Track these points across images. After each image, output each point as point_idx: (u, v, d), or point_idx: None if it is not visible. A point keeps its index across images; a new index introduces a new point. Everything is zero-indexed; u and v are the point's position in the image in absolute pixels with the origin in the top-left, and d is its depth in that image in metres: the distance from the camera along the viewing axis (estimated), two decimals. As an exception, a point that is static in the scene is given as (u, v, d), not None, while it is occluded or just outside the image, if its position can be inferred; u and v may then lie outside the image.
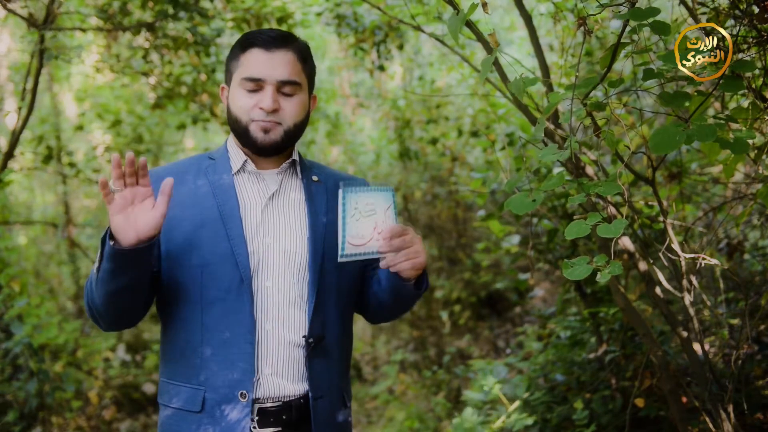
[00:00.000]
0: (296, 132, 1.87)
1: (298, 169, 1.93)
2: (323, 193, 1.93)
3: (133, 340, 6.79)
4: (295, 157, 1.93)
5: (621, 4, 1.68)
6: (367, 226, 1.67)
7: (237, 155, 1.90)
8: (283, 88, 1.82)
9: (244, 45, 1.85)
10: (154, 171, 1.91)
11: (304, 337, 1.81)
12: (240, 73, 1.83)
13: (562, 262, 1.66)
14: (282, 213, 1.87)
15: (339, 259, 1.67)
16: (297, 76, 1.85)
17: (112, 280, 1.66)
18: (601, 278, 1.57)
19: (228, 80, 1.89)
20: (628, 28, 1.71)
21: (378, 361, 6.86)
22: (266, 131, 1.81)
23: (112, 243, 1.61)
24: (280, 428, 1.78)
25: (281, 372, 1.80)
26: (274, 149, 1.85)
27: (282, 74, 1.82)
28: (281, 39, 1.85)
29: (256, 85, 1.81)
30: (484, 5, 1.78)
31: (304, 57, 1.89)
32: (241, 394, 1.75)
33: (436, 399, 5.32)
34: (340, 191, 1.65)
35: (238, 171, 1.89)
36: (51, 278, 7.51)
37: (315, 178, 1.95)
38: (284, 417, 1.79)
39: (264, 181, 1.89)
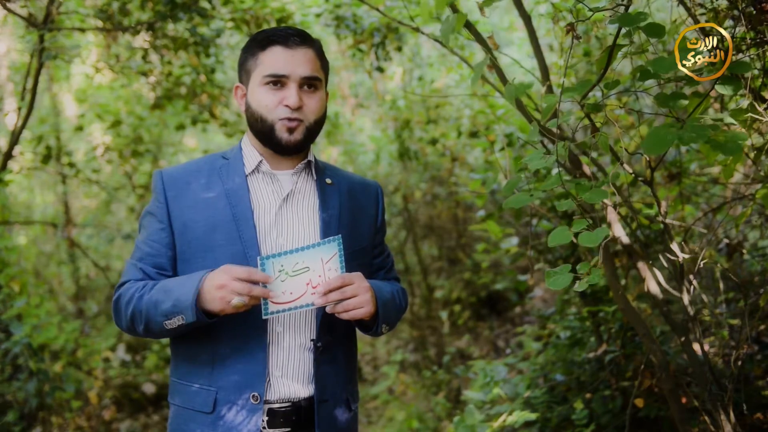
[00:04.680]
0: (317, 128, 1.88)
1: (313, 170, 1.93)
2: (336, 196, 1.93)
3: (133, 340, 6.79)
4: (311, 157, 1.93)
5: (614, 8, 1.68)
6: (298, 283, 1.72)
7: (252, 155, 1.89)
8: (305, 84, 1.83)
9: (263, 43, 1.84)
10: (168, 171, 1.91)
11: (312, 340, 1.82)
12: (261, 71, 1.82)
13: (545, 272, 1.68)
14: (296, 214, 1.87)
15: (263, 317, 1.72)
16: (318, 72, 1.86)
17: (180, 331, 1.76)
18: (580, 288, 1.59)
19: (245, 79, 1.88)
20: (623, 31, 1.71)
21: (378, 361, 6.86)
22: (291, 131, 1.81)
23: (204, 315, 1.69)
24: (289, 429, 1.80)
25: (290, 374, 1.81)
26: (298, 148, 1.85)
27: (305, 71, 1.82)
28: (301, 36, 1.86)
29: (279, 82, 1.81)
30: (482, 9, 1.78)
31: (321, 54, 1.91)
32: (253, 396, 1.76)
33: (436, 399, 5.32)
34: (258, 260, 1.71)
35: (253, 171, 1.89)
36: (51, 278, 7.51)
37: (329, 180, 1.95)
38: (294, 418, 1.80)
39: (278, 182, 1.89)
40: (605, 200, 2.18)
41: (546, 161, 1.69)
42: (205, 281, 1.68)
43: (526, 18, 2.52)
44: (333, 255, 1.73)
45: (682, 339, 2.48)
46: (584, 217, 1.68)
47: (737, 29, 1.92)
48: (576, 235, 1.66)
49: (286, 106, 1.80)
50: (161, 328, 1.74)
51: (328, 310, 1.74)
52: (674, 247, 2.17)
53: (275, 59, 1.82)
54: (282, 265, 1.71)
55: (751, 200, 2.48)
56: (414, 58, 6.95)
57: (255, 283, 1.68)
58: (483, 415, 3.67)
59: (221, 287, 1.65)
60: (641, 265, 2.52)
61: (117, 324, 1.86)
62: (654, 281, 2.51)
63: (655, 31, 1.63)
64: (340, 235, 1.74)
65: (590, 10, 1.71)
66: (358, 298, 1.73)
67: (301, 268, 1.72)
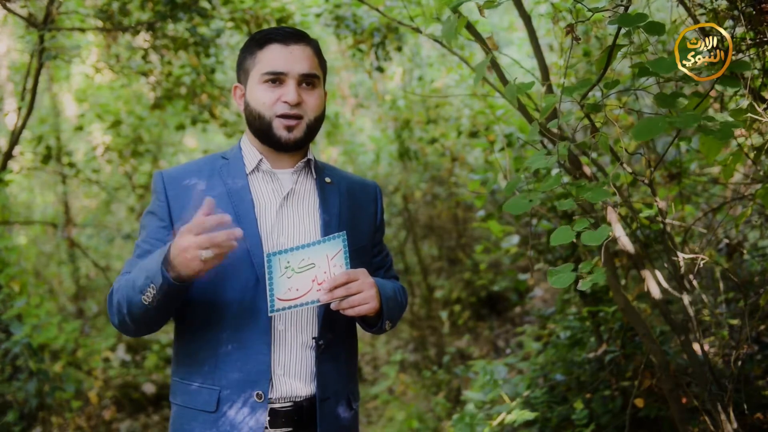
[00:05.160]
0: (316, 126, 1.88)
1: (313, 169, 1.94)
2: (336, 195, 1.93)
3: (132, 340, 6.79)
4: (310, 156, 1.93)
5: (613, 9, 1.68)
6: (304, 279, 1.72)
7: (252, 154, 1.90)
8: (304, 81, 1.84)
9: (261, 42, 1.85)
10: (168, 171, 1.91)
11: (314, 338, 1.83)
12: (260, 69, 1.83)
13: (548, 271, 1.68)
14: (296, 213, 1.88)
15: (269, 314, 1.71)
16: (316, 69, 1.87)
17: (165, 307, 1.71)
18: (583, 287, 1.59)
19: (243, 79, 1.89)
20: (623, 30, 1.71)
21: (378, 361, 6.86)
22: (289, 129, 1.82)
23: (174, 279, 1.63)
24: (291, 429, 1.80)
25: (292, 373, 1.81)
26: (297, 146, 1.86)
27: (303, 68, 1.83)
28: (298, 34, 1.87)
29: (278, 79, 1.82)
30: (481, 10, 1.78)
31: (319, 52, 1.92)
32: (257, 394, 1.77)
33: (436, 399, 5.32)
34: (265, 256, 1.71)
35: (253, 170, 1.89)
36: (51, 278, 7.51)
37: (328, 180, 1.95)
38: (295, 418, 1.80)
39: (278, 180, 1.89)
40: (605, 200, 2.18)
41: (547, 162, 1.69)
42: (171, 250, 1.63)
43: (526, 18, 2.52)
44: (338, 251, 1.73)
45: (682, 339, 2.48)
46: (585, 217, 1.69)
47: (737, 29, 1.92)
48: (578, 234, 1.66)
49: (285, 102, 1.81)
50: (141, 307, 1.68)
51: (333, 306, 1.74)
52: (674, 247, 2.17)
53: (273, 57, 1.82)
54: (288, 262, 1.71)
55: (751, 200, 2.48)
56: (414, 58, 6.95)
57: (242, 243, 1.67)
58: (483, 414, 3.67)
59: (185, 249, 1.59)
60: (641, 266, 2.52)
61: (111, 321, 1.84)
62: (654, 281, 2.51)
63: (655, 29, 1.63)
64: (344, 232, 1.74)
65: (590, 10, 1.71)
66: (363, 294, 1.74)
67: (306, 264, 1.72)
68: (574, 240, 1.67)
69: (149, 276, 1.65)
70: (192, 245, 1.59)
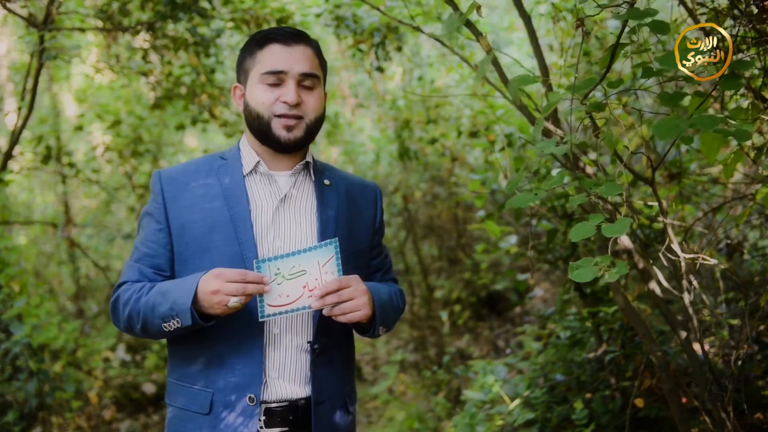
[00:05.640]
0: (316, 126, 1.87)
1: (311, 171, 1.93)
2: (334, 198, 1.92)
3: (133, 340, 6.79)
4: (309, 158, 1.92)
5: (620, 5, 1.68)
6: (294, 286, 1.72)
7: (250, 155, 1.89)
8: (304, 81, 1.83)
9: (261, 41, 1.84)
10: (166, 172, 1.90)
11: (309, 342, 1.82)
12: (259, 68, 1.82)
13: (569, 264, 1.67)
14: (293, 216, 1.86)
15: (259, 319, 1.73)
16: (316, 69, 1.86)
17: (181, 334, 1.78)
18: (610, 278, 1.58)
19: (243, 79, 1.88)
20: (627, 28, 1.71)
21: (378, 361, 6.86)
22: (289, 129, 1.81)
23: (200, 319, 1.71)
24: (287, 428, 1.80)
25: (287, 376, 1.81)
26: (296, 147, 1.85)
27: (303, 67, 1.82)
28: (298, 34, 1.86)
29: (278, 78, 1.81)
30: (478, 8, 1.78)
31: (319, 53, 1.91)
32: (250, 397, 1.77)
33: (436, 399, 5.32)
34: (254, 263, 1.71)
35: (250, 172, 1.88)
36: (51, 278, 7.51)
37: (327, 182, 1.94)
38: (291, 417, 1.80)
39: (276, 183, 1.88)
40: (608, 199, 2.18)
41: (559, 149, 1.68)
42: (200, 285, 1.68)
43: (526, 18, 2.52)
44: (330, 258, 1.73)
45: (683, 339, 2.48)
46: (588, 214, 1.68)
47: (738, 29, 1.92)
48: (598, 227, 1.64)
49: (284, 102, 1.80)
50: (159, 330, 1.74)
51: (325, 312, 1.74)
52: (675, 246, 2.17)
53: (274, 56, 1.82)
54: (278, 268, 1.71)
55: (751, 200, 2.49)
56: (414, 58, 6.95)
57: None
58: (483, 414, 3.67)
59: (215, 293, 1.65)
60: (642, 266, 2.52)
61: (115, 324, 1.87)
62: (654, 281, 2.51)
63: (660, 27, 1.63)
64: (336, 238, 1.74)
65: (598, 6, 1.70)
66: (355, 301, 1.73)
67: (297, 271, 1.72)
68: (582, 237, 1.65)
69: (175, 309, 1.69)
70: (222, 291, 1.64)
